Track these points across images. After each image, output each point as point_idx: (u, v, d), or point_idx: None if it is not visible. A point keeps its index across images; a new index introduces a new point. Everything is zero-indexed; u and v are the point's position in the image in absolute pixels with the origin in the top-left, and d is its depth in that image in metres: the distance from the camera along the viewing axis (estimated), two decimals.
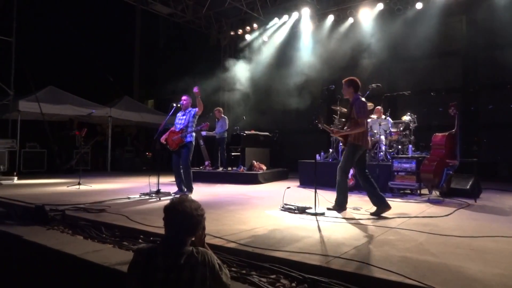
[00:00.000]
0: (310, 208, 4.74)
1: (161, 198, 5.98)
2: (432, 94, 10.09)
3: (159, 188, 6.27)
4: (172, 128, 6.69)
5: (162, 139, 6.70)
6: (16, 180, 8.97)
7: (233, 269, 2.73)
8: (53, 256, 3.30)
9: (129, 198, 5.98)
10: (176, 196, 1.77)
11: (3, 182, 8.50)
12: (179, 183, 6.65)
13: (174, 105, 6.75)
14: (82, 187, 7.51)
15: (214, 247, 3.08)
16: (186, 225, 1.99)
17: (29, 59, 11.70)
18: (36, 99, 11.00)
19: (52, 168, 12.07)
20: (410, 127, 7.86)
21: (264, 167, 9.78)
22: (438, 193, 6.41)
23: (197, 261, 1.91)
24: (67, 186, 7.64)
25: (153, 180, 6.51)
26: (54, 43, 15.63)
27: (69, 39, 14.47)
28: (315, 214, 4.54)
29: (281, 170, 10.60)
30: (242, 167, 9.67)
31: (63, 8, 13.61)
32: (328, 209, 4.89)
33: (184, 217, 1.98)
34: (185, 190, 6.56)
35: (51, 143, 11.81)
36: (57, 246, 3.37)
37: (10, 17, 10.83)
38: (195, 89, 6.42)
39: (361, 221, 4.27)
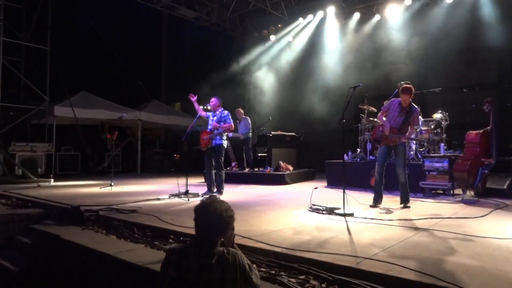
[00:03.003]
0: (338, 208, 4.68)
1: (190, 199, 6.09)
2: (464, 90, 9.71)
3: (188, 189, 6.38)
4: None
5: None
6: (52, 182, 9.38)
7: (262, 269, 2.75)
8: (89, 255, 3.43)
9: (158, 199, 6.12)
10: (206, 197, 1.82)
11: (41, 184, 8.90)
12: (208, 183, 6.78)
13: (201, 107, 6.88)
14: (114, 188, 7.76)
15: (243, 248, 3.11)
16: (216, 226, 2.03)
17: (63, 66, 12.20)
18: (70, 104, 11.46)
19: (86, 170, 12.55)
20: (442, 125, 7.61)
21: (291, 168, 9.75)
22: (472, 193, 6.17)
23: (228, 262, 1.94)
24: (100, 188, 7.91)
25: (181, 181, 6.64)
26: (86, 50, 16.21)
27: (100, 45, 14.98)
28: (344, 215, 4.48)
29: (308, 171, 10.53)
30: (268, 168, 9.68)
31: (93, 16, 14.10)
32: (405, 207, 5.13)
33: (215, 218, 2.02)
34: (215, 190, 6.66)
35: (84, 146, 12.27)
36: (93, 245, 3.50)
37: (45, 26, 11.34)
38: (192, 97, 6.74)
39: (392, 222, 4.18)
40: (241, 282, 1.96)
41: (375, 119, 7.82)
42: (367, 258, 2.72)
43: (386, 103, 5.67)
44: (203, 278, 1.89)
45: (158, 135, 17.39)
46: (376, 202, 5.28)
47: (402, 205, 5.19)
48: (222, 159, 6.70)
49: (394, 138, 5.11)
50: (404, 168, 5.13)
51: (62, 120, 12.10)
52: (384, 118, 5.36)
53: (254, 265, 2.32)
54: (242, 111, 10.45)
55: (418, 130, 7.54)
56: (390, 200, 5.72)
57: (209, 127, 6.74)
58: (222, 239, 2.12)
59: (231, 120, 6.72)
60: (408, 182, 5.24)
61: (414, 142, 7.53)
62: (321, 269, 2.59)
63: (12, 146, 10.36)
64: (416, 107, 5.24)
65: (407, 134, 5.16)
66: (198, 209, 2.07)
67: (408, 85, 5.19)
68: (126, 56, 16.07)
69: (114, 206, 5.13)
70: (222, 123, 6.61)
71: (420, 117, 7.76)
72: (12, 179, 9.39)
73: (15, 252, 4.74)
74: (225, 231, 2.08)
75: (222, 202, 2.13)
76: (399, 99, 5.24)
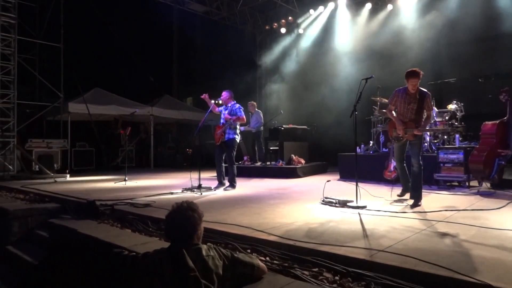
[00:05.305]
0: (351, 201, 4.67)
1: (203, 193, 6.14)
2: (480, 80, 9.48)
3: (201, 183, 6.43)
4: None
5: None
6: (68, 177, 9.56)
7: (275, 261, 2.76)
8: (105, 248, 3.49)
9: (172, 193, 6.18)
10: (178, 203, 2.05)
11: (57, 179, 9.09)
12: (219, 176, 6.82)
13: (212, 101, 6.90)
14: (128, 183, 7.87)
15: (256, 240, 3.14)
16: (193, 226, 2.21)
17: (76, 63, 12.36)
18: (84, 101, 11.63)
19: (100, 166, 12.75)
20: (457, 116, 7.47)
21: (303, 161, 9.72)
22: (489, 185, 6.05)
23: (214, 254, 2.16)
24: (114, 182, 8.04)
25: (194, 175, 6.69)
26: (98, 46, 16.38)
27: (112, 41, 15.12)
28: (357, 207, 4.46)
29: (320, 164, 10.48)
30: (280, 161, 9.67)
31: (105, 13, 14.21)
32: (415, 205, 4.73)
33: (188, 220, 2.21)
34: (227, 185, 6.69)
35: (99, 142, 12.45)
36: (108, 239, 3.57)
37: (58, 24, 11.49)
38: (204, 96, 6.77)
39: (406, 215, 4.14)
40: (232, 267, 2.18)
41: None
42: (381, 251, 2.71)
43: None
44: (190, 276, 1.97)
45: (171, 130, 17.52)
46: (404, 192, 5.17)
47: (412, 203, 4.74)
48: (234, 153, 6.74)
49: (411, 133, 4.88)
50: (419, 159, 4.86)
51: (76, 116, 12.30)
52: (394, 114, 5.05)
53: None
54: (255, 104, 10.43)
55: (432, 121, 7.42)
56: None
57: (222, 121, 6.77)
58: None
59: (243, 113, 6.73)
60: (422, 175, 4.94)
61: (428, 133, 7.41)
62: (335, 262, 2.58)
63: (29, 142, 10.59)
64: (426, 90, 4.89)
65: (423, 124, 4.87)
66: (171, 215, 2.23)
67: (414, 69, 4.78)
68: (138, 52, 16.18)
69: (129, 200, 5.22)
70: (233, 116, 6.63)
71: (434, 107, 7.65)
72: (29, 175, 9.61)
73: (34, 245, 4.86)
74: (198, 228, 2.23)
75: (191, 203, 2.27)
76: (404, 87, 4.91)
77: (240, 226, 3.56)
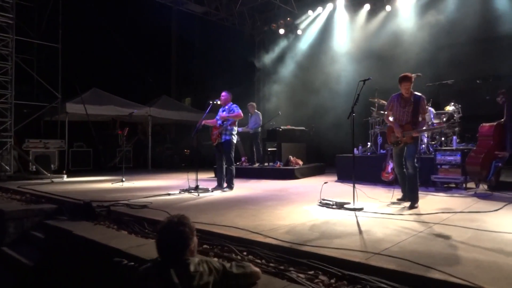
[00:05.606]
0: (348, 203, 4.66)
1: (200, 194, 6.12)
2: (478, 81, 9.50)
3: (198, 184, 6.42)
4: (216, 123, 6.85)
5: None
6: (65, 178, 9.54)
7: (271, 264, 2.75)
8: (100, 250, 3.48)
9: (169, 194, 6.17)
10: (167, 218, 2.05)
11: (54, 179, 9.06)
12: (219, 178, 6.82)
13: (210, 102, 6.88)
14: (125, 184, 7.85)
15: (252, 243, 3.12)
16: (184, 241, 2.15)
17: (74, 63, 12.34)
18: (82, 101, 11.61)
19: (98, 166, 12.72)
20: (454, 118, 7.48)
21: (301, 162, 9.72)
22: (486, 186, 6.06)
23: (205, 269, 2.10)
24: (112, 183, 8.01)
25: (191, 176, 6.67)
26: (96, 47, 16.35)
27: (110, 42, 15.10)
28: (354, 209, 4.46)
29: (318, 165, 10.48)
30: (278, 163, 9.67)
31: (103, 13, 14.19)
32: (412, 207, 4.72)
33: (180, 235, 2.15)
34: (225, 186, 6.69)
35: (96, 142, 12.42)
36: (104, 241, 3.55)
37: (56, 25, 11.47)
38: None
39: (402, 217, 4.14)
40: (224, 280, 2.14)
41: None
42: (376, 254, 2.70)
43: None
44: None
45: (169, 131, 17.50)
46: (405, 197, 5.11)
47: (409, 205, 4.74)
48: (232, 154, 6.72)
49: (409, 135, 4.92)
50: (413, 161, 4.88)
51: (74, 116, 12.27)
52: (391, 119, 5.12)
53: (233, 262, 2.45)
54: (254, 105, 10.42)
55: (429, 123, 7.42)
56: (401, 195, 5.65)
57: (218, 121, 6.75)
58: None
59: (239, 110, 6.70)
60: (418, 177, 4.95)
61: (426, 135, 7.42)
62: (331, 264, 2.57)
63: (26, 142, 10.57)
64: (420, 94, 5.02)
65: (419, 126, 4.93)
66: (162, 232, 2.18)
67: (405, 74, 4.97)
68: (136, 53, 16.17)
69: (125, 202, 5.20)
70: (227, 121, 6.62)
71: (432, 109, 7.66)
72: (26, 175, 9.58)
73: (30, 247, 4.84)
74: (190, 243, 2.18)
75: (181, 217, 2.23)
76: (397, 93, 5.06)
77: (236, 228, 3.55)
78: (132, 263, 2.31)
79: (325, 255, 2.72)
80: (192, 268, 2.06)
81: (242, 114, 6.75)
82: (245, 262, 2.46)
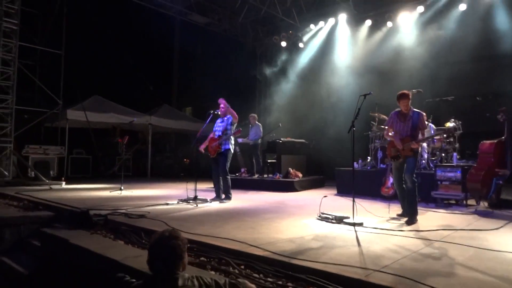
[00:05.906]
0: (348, 217, 4.62)
1: (198, 205, 6.08)
2: (478, 99, 9.53)
3: (196, 194, 6.38)
4: (211, 135, 6.83)
5: (203, 146, 6.85)
6: (64, 185, 9.48)
7: (269, 279, 2.71)
8: (96, 260, 3.44)
9: (167, 204, 6.12)
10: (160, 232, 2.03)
11: (53, 186, 9.01)
12: (217, 190, 6.77)
13: (211, 112, 6.89)
14: (124, 192, 7.80)
15: (250, 256, 3.09)
16: (176, 256, 2.11)
17: (76, 70, 12.40)
18: (83, 108, 11.62)
19: (97, 174, 12.67)
20: (455, 134, 7.48)
21: (300, 175, 9.68)
22: (486, 204, 6.03)
23: (192, 285, 2.05)
24: (110, 191, 7.97)
25: (190, 186, 6.64)
26: (99, 54, 16.46)
27: (113, 50, 15.21)
28: (353, 224, 4.41)
29: (317, 178, 10.45)
30: (278, 175, 9.63)
31: (106, 22, 14.34)
32: (411, 222, 4.70)
33: (173, 250, 2.10)
34: (223, 197, 6.65)
35: (96, 150, 12.40)
36: (100, 251, 3.51)
37: (59, 31, 11.56)
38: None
39: (402, 233, 4.10)
40: None
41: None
42: (376, 271, 2.66)
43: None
44: None
45: (169, 139, 17.49)
46: (405, 213, 5.05)
47: (406, 219, 4.73)
48: (228, 165, 6.68)
49: (409, 147, 4.94)
50: (412, 175, 4.87)
51: (74, 123, 12.27)
52: (391, 134, 5.21)
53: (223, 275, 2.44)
54: (256, 116, 10.42)
55: (430, 139, 7.42)
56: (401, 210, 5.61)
57: (217, 133, 6.73)
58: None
59: (234, 113, 6.72)
60: (418, 192, 4.94)
61: (426, 151, 7.42)
62: (329, 281, 2.54)
63: (26, 148, 10.54)
64: (419, 111, 5.09)
65: (419, 138, 4.98)
66: (153, 247, 2.13)
67: (403, 91, 5.10)
68: (138, 61, 16.27)
69: (123, 211, 5.15)
70: (229, 126, 6.63)
71: (432, 125, 7.68)
72: (24, 181, 9.53)
73: (26, 254, 4.79)
74: (184, 256, 2.15)
75: (173, 231, 2.20)
76: (397, 110, 5.16)
77: (234, 241, 3.51)
78: (133, 280, 2.26)
79: (323, 271, 2.68)
80: (180, 282, 2.02)
81: (240, 131, 6.85)
82: (240, 279, 2.39)
